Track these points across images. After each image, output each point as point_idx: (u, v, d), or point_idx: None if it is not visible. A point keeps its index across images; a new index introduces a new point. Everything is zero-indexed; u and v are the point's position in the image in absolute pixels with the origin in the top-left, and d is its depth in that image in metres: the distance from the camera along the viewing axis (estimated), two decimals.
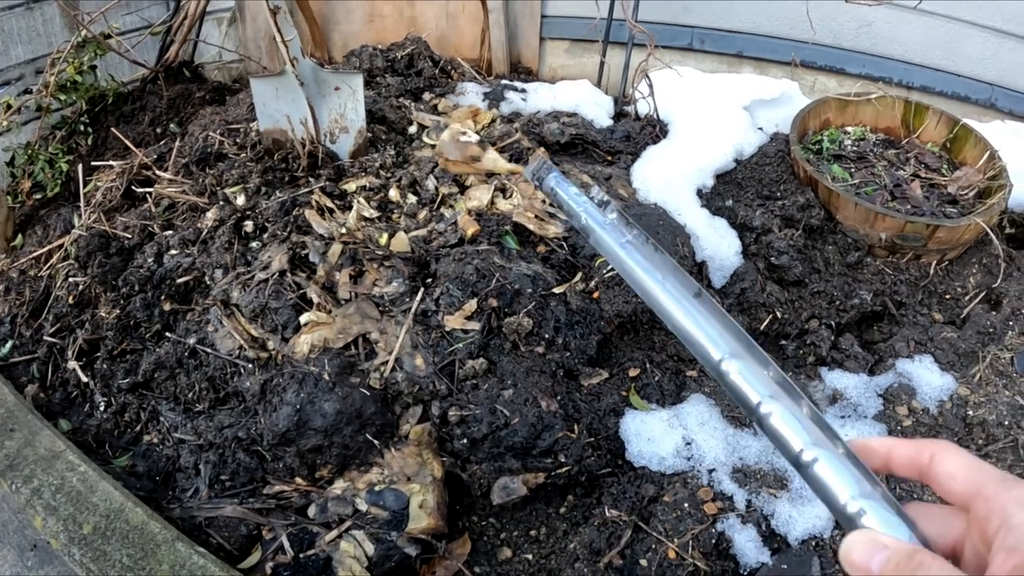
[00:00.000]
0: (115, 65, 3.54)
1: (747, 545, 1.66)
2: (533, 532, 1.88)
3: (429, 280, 2.10)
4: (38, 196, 3.31)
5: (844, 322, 2.37)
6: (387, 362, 1.90)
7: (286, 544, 1.80)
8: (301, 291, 2.04)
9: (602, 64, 3.29)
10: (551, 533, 1.87)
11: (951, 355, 2.15)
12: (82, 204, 2.91)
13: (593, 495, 1.92)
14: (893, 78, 3.13)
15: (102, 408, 2.31)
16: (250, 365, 2.00)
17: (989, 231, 2.26)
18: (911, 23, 3.02)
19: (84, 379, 2.38)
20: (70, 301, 2.59)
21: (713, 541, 1.67)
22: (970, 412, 1.96)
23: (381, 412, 1.87)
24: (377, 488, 1.81)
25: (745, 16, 3.27)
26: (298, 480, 1.88)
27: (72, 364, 2.44)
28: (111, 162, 3.01)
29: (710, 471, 1.81)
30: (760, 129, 2.83)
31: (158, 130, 3.32)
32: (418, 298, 2.00)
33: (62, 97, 3.25)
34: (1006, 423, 1.92)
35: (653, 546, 1.68)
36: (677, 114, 2.86)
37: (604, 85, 3.31)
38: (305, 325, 1.96)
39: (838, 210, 2.40)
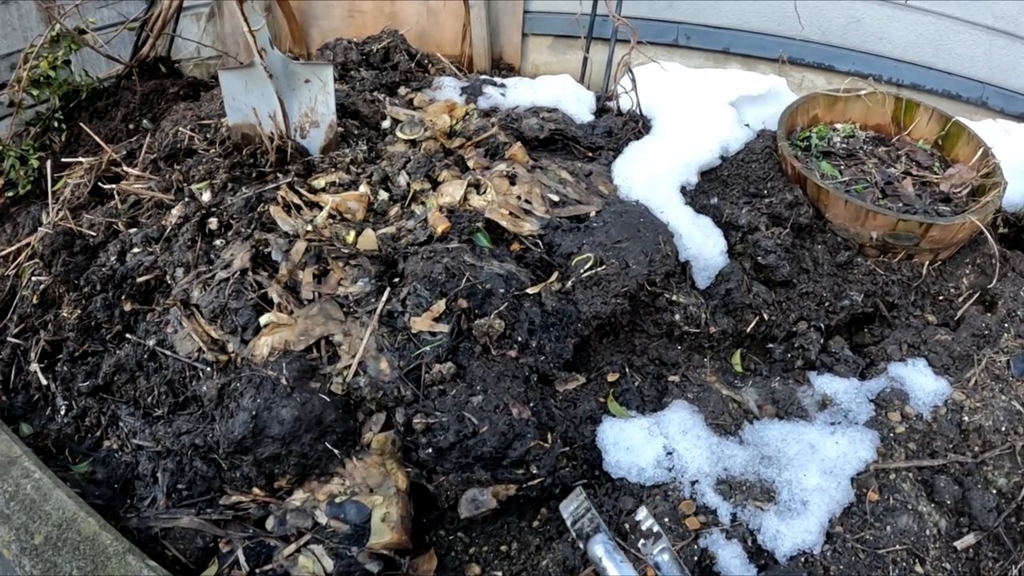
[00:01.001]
0: (90, 61, 3.45)
1: (732, 562, 1.56)
2: (504, 547, 1.78)
3: (396, 280, 2.01)
4: (9, 194, 3.22)
5: (834, 324, 2.29)
6: (350, 366, 1.80)
7: (242, 559, 1.71)
8: (263, 291, 1.95)
9: (585, 60, 3.21)
10: (523, 548, 1.77)
11: (945, 358, 2.06)
12: (50, 202, 2.82)
13: None
14: (883, 75, 3.06)
15: (63, 412, 2.22)
16: (209, 368, 1.91)
17: (984, 230, 2.18)
18: (901, 20, 2.95)
19: (45, 382, 2.29)
20: (34, 301, 2.50)
21: (696, 558, 1.57)
22: (966, 418, 1.87)
23: (342, 419, 1.77)
24: (338, 500, 1.71)
25: (732, 12, 3.20)
26: (256, 490, 1.78)
27: (34, 367, 2.34)
28: (80, 158, 2.92)
29: (693, 483, 1.71)
30: (747, 125, 2.75)
31: (130, 126, 3.23)
32: (384, 298, 1.91)
33: (35, 93, 3.17)
34: (1003, 429, 1.83)
35: (631, 564, 1.58)
36: (661, 109, 2.78)
37: (587, 81, 3.23)
38: (265, 326, 1.86)
39: (827, 208, 2.32)
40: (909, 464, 1.82)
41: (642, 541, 0.81)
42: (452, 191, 2.19)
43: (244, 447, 1.74)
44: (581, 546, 1.08)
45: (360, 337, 1.85)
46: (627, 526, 1.67)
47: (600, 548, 0.87)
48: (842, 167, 2.51)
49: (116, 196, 2.61)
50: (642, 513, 0.85)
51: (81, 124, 3.15)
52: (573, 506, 0.92)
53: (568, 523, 0.92)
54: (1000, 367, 2.00)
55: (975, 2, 2.78)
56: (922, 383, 2.00)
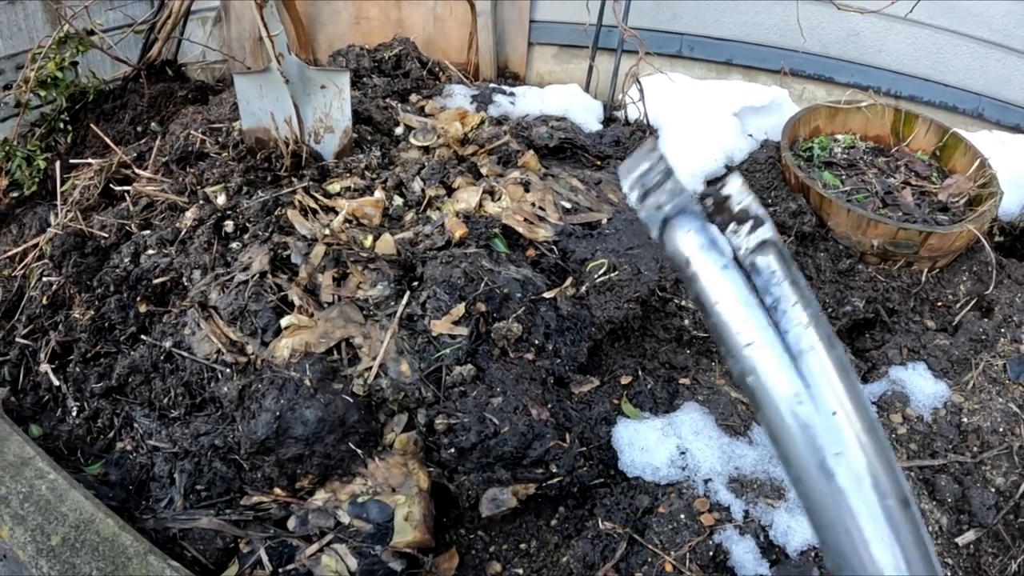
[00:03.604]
0: (97, 62, 3.46)
1: (745, 557, 1.61)
2: (524, 545, 1.82)
3: (415, 283, 2.04)
4: (15, 195, 3.21)
5: (836, 329, 2.35)
6: (371, 368, 1.83)
7: (264, 558, 1.72)
8: (282, 293, 1.97)
9: (591, 69, 3.27)
10: (542, 546, 1.81)
11: (944, 362, 2.13)
12: (59, 202, 2.82)
13: (585, 507, 1.86)
14: (881, 87, 3.14)
15: (74, 413, 2.22)
16: (228, 370, 1.93)
17: (981, 238, 2.25)
18: (899, 33, 3.04)
19: (56, 383, 2.29)
20: (44, 302, 2.50)
21: (710, 553, 1.62)
22: (964, 419, 1.94)
23: (365, 420, 1.80)
24: (360, 500, 1.74)
25: (734, 24, 3.27)
26: (277, 491, 1.81)
27: (44, 367, 2.34)
28: (89, 160, 2.93)
29: (706, 481, 1.77)
30: (750, 136, 2.82)
31: (139, 129, 3.24)
32: (404, 302, 1.94)
33: (42, 93, 3.16)
34: (1000, 430, 1.90)
35: (649, 559, 1.63)
36: (666, 120, 2.84)
37: (593, 90, 3.29)
38: (286, 329, 1.89)
39: (830, 217, 2.39)
40: (911, 464, 1.88)
41: (732, 226, 0.52)
42: (468, 197, 2.24)
43: (267, 448, 1.77)
44: (654, 235, 0.61)
45: (380, 340, 1.88)
46: (643, 523, 1.72)
47: (691, 239, 0.48)
48: (843, 177, 2.58)
49: (128, 198, 2.62)
50: (734, 184, 0.50)
51: (91, 126, 3.16)
52: (644, 166, 0.51)
53: (632, 197, 0.53)
54: (997, 370, 2.07)
55: (971, 16, 2.87)
56: (922, 386, 2.06)
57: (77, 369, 2.26)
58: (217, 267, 2.16)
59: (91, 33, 3.16)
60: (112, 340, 2.27)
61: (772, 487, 1.77)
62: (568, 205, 2.33)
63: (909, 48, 3.04)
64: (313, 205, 2.24)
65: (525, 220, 2.20)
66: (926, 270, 2.37)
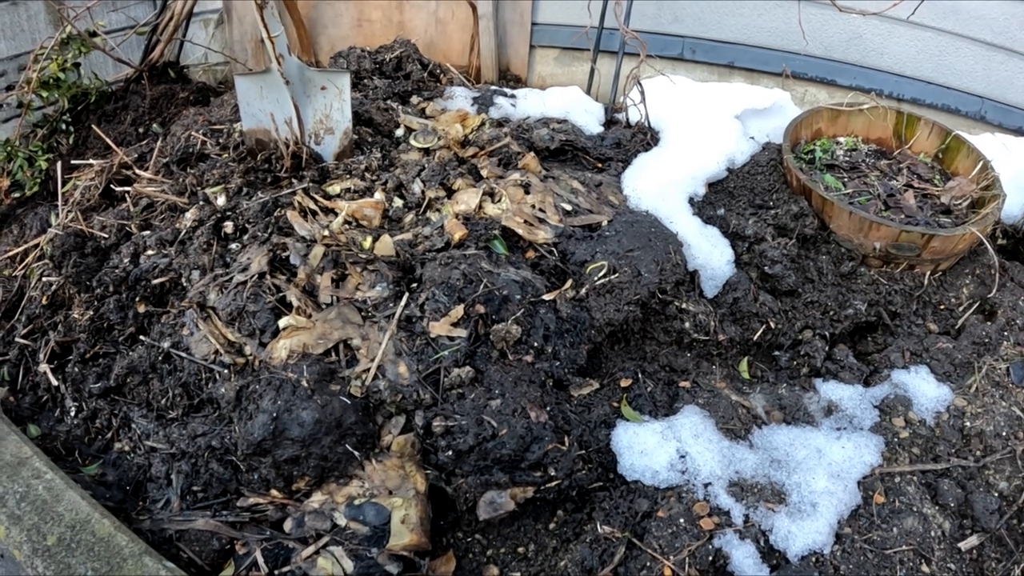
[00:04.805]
0: (99, 63, 3.47)
1: (745, 562, 1.60)
2: (521, 549, 1.81)
3: (414, 285, 2.04)
4: (16, 195, 3.22)
5: (838, 332, 2.34)
6: (369, 369, 1.82)
7: (260, 560, 1.72)
8: (281, 294, 1.97)
9: (592, 71, 3.27)
10: (540, 550, 1.80)
11: (947, 365, 2.12)
12: (60, 203, 2.82)
13: (584, 510, 1.85)
14: (884, 90, 3.14)
15: (72, 414, 2.22)
16: (226, 371, 1.92)
17: (984, 241, 2.24)
18: (901, 36, 3.03)
19: (55, 383, 2.29)
20: (43, 302, 2.51)
21: (710, 558, 1.61)
22: (967, 423, 1.93)
23: (362, 422, 1.79)
24: (357, 502, 1.73)
25: (736, 27, 3.27)
26: (274, 492, 1.80)
27: (43, 367, 2.34)
28: (90, 160, 2.93)
29: (706, 485, 1.75)
30: (752, 138, 2.81)
31: (140, 130, 3.25)
32: (402, 303, 1.94)
33: (44, 94, 3.18)
34: (1003, 434, 1.88)
35: (648, 564, 1.62)
36: (668, 122, 2.84)
37: (594, 93, 3.29)
38: (284, 329, 1.89)
39: (832, 219, 2.37)
40: (913, 468, 1.86)
41: None
42: (467, 199, 2.23)
43: (263, 449, 1.76)
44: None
45: (378, 341, 1.87)
46: (642, 527, 1.71)
47: None
48: (845, 179, 2.57)
49: (128, 198, 2.63)
50: None
51: (93, 127, 3.16)
52: None
53: None
54: (1000, 374, 2.05)
55: (974, 19, 2.86)
56: (925, 390, 2.05)
57: (76, 369, 2.26)
58: (216, 268, 2.16)
59: (93, 35, 3.17)
60: (111, 340, 2.27)
61: (773, 491, 1.76)
62: (568, 207, 2.33)
63: (911, 51, 3.03)
64: (313, 206, 2.24)
65: (525, 222, 2.20)
66: (928, 273, 2.35)
